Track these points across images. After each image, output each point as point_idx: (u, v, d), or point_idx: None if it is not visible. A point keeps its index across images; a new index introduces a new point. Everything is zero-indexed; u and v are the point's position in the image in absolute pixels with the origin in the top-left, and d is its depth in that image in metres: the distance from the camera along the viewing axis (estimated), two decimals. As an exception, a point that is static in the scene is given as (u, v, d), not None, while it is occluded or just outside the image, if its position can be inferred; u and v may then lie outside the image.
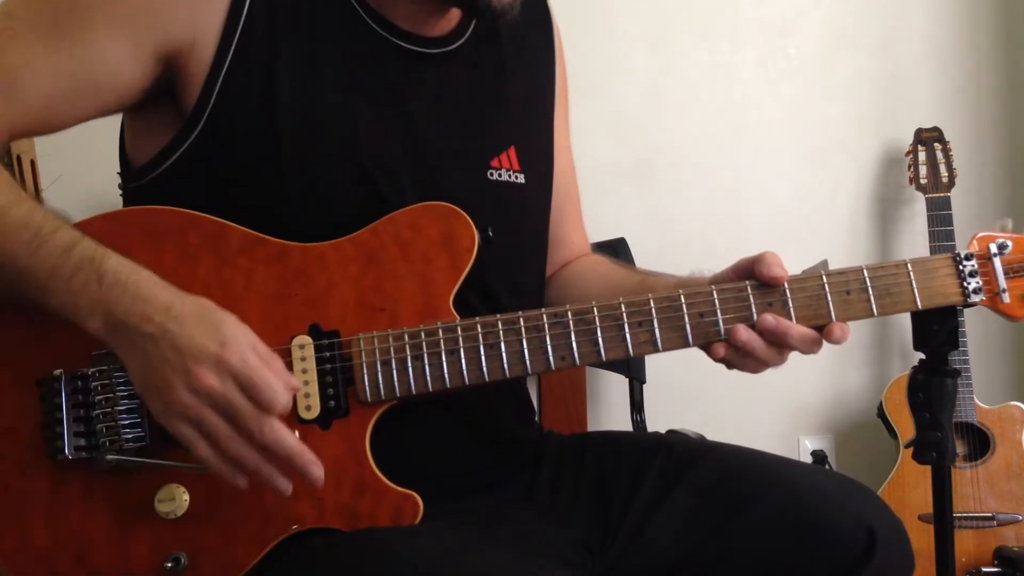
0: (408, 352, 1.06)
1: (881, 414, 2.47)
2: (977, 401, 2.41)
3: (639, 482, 1.20)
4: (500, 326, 1.07)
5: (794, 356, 1.12)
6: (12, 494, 1.03)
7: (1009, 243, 1.11)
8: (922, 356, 1.18)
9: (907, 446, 2.32)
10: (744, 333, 1.07)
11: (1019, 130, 2.74)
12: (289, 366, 1.04)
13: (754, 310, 1.08)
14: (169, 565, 1.02)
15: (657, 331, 1.08)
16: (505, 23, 1.20)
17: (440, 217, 1.10)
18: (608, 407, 2.64)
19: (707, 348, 1.11)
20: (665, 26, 2.73)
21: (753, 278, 1.10)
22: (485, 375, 1.06)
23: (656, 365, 2.45)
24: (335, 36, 1.15)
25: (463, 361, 1.06)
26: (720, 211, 2.72)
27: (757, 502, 1.14)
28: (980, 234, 1.12)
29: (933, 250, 2.43)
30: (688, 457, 1.21)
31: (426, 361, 1.06)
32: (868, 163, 2.73)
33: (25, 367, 1.05)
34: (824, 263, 1.54)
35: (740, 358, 1.10)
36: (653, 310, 1.08)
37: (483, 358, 1.06)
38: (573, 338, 1.07)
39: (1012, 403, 2.43)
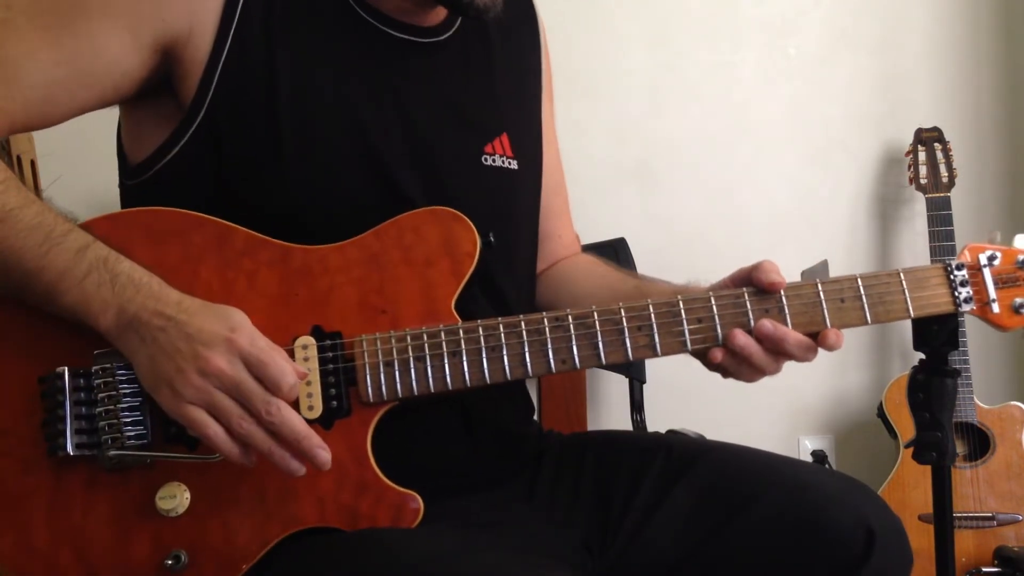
0: (410, 353, 1.06)
1: (881, 414, 2.47)
2: (977, 401, 2.41)
3: (639, 482, 1.20)
4: (502, 328, 1.08)
5: (794, 358, 1.12)
6: (12, 491, 1.03)
7: (999, 254, 1.13)
8: (922, 356, 1.18)
9: (907, 446, 2.32)
10: (742, 338, 1.08)
11: (1019, 130, 2.74)
12: (292, 366, 1.05)
13: (751, 316, 1.10)
14: (169, 563, 1.02)
15: (656, 336, 1.09)
16: (489, 19, 1.21)
17: (443, 221, 1.10)
18: (608, 407, 2.65)
19: (703, 356, 1.12)
20: (665, 26, 2.74)
21: (751, 286, 1.10)
22: (487, 377, 1.07)
23: (656, 365, 2.45)
24: (329, 26, 1.16)
25: (465, 363, 1.07)
26: (720, 211, 2.72)
27: (757, 501, 1.14)
28: (971, 245, 1.15)
29: (933, 250, 2.44)
30: (688, 457, 1.22)
31: (428, 362, 1.06)
32: (868, 163, 2.74)
33: (27, 364, 1.05)
34: (824, 263, 1.54)
35: (736, 364, 1.10)
36: (652, 315, 1.09)
37: (485, 360, 1.07)
38: (574, 341, 1.09)
39: (1012, 403, 2.43)
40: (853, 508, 1.12)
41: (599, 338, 1.09)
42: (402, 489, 1.05)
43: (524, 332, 1.08)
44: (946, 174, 2.49)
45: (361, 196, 1.13)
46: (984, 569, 2.32)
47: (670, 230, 2.71)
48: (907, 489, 2.36)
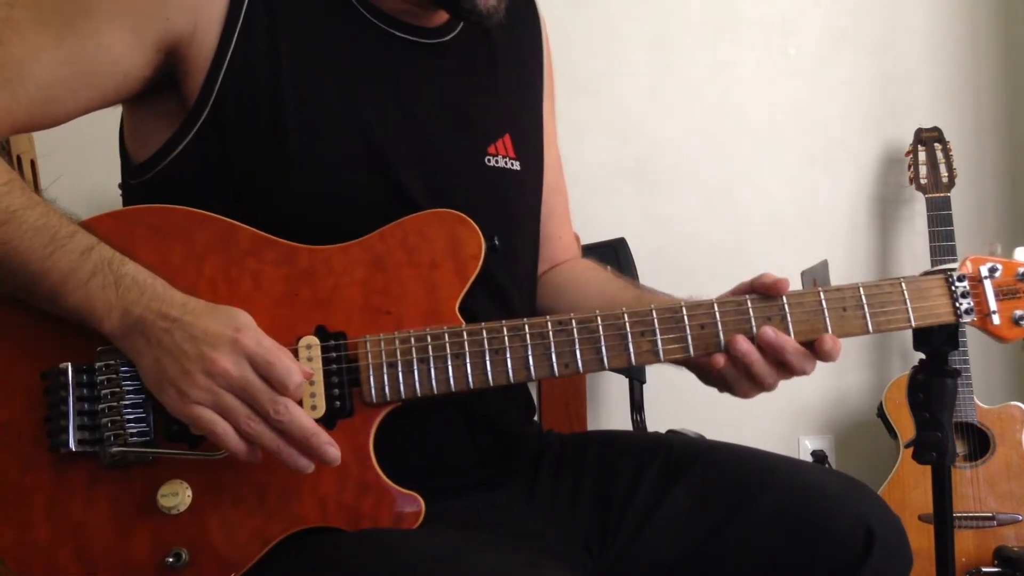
0: (414, 355, 1.06)
1: (881, 414, 2.48)
2: (977, 401, 2.42)
3: (639, 482, 1.20)
4: (505, 331, 1.08)
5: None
6: (14, 486, 1.03)
7: (999, 266, 1.15)
8: (922, 356, 1.19)
9: (907, 446, 2.32)
10: (744, 344, 1.08)
11: (1019, 130, 2.74)
12: (296, 366, 1.05)
13: (754, 323, 1.10)
14: (170, 560, 1.02)
15: (659, 341, 1.10)
16: (491, 24, 1.21)
17: (447, 224, 1.11)
18: (608, 407, 2.65)
19: (701, 369, 1.14)
20: (665, 26, 2.74)
21: (753, 293, 1.11)
22: (490, 380, 1.07)
23: (656, 365, 2.45)
24: (333, 26, 1.16)
25: (468, 366, 1.07)
26: (720, 211, 2.72)
27: (756, 501, 1.14)
28: (972, 256, 1.16)
29: (933, 250, 2.44)
30: (688, 457, 1.22)
31: (432, 364, 1.07)
32: (868, 163, 2.74)
33: (30, 359, 1.05)
34: (824, 263, 1.54)
35: (735, 372, 1.10)
36: (655, 320, 1.10)
37: (488, 362, 1.07)
38: (577, 345, 1.09)
39: (1012, 403, 2.43)
40: (853, 508, 1.12)
41: (602, 342, 1.09)
42: (404, 490, 1.05)
43: (528, 335, 1.08)
44: (946, 174, 2.50)
45: (363, 196, 1.13)
46: (984, 569, 2.32)
47: (670, 230, 2.71)
48: (907, 489, 2.36)
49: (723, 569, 1.15)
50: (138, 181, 1.16)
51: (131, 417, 1.03)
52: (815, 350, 1.10)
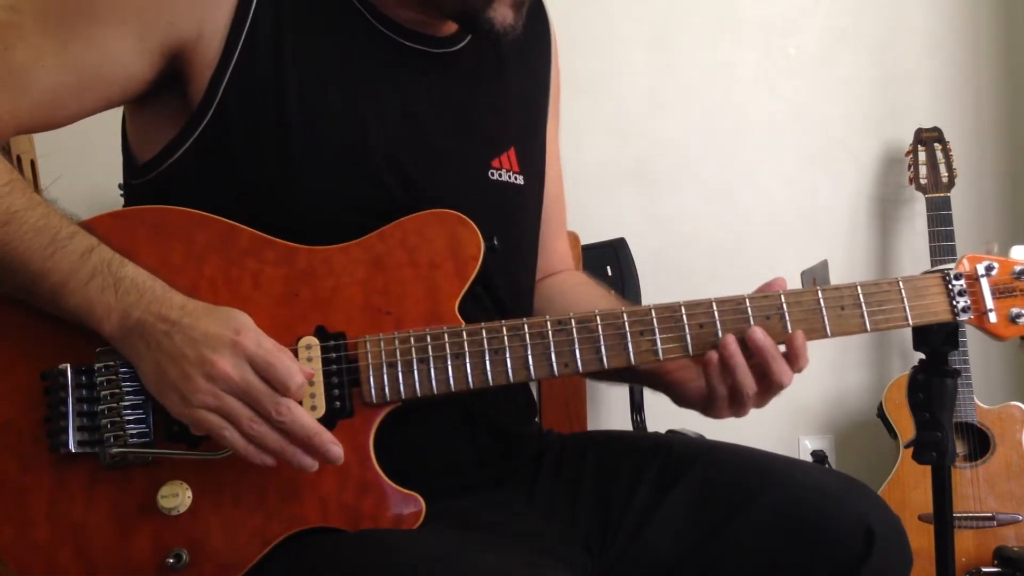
0: (414, 355, 1.06)
1: (881, 414, 2.48)
2: (977, 401, 2.42)
3: (639, 482, 1.20)
4: (504, 331, 1.08)
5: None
6: (13, 487, 1.03)
7: (996, 264, 1.15)
8: (922, 356, 1.19)
9: (907, 446, 2.31)
10: (732, 344, 1.09)
11: (1019, 130, 2.74)
12: (296, 366, 1.05)
13: (752, 322, 1.11)
14: (171, 561, 1.02)
15: (658, 340, 1.10)
16: (506, 41, 1.20)
17: (447, 224, 1.11)
18: (608, 407, 2.65)
19: (675, 389, 1.19)
20: (665, 26, 2.74)
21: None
22: (490, 379, 1.08)
23: (656, 365, 2.45)
24: (340, 33, 1.16)
25: (468, 365, 1.07)
26: (720, 211, 2.72)
27: (756, 501, 1.14)
28: (969, 255, 1.16)
29: (933, 250, 2.44)
30: (688, 457, 1.22)
31: (431, 364, 1.07)
32: (868, 163, 2.74)
33: (30, 359, 1.05)
34: (824, 263, 1.55)
35: (716, 379, 1.10)
36: (654, 320, 1.10)
37: (487, 362, 1.07)
38: (576, 345, 1.09)
39: (1012, 403, 2.44)
40: (853, 508, 1.12)
41: (601, 342, 1.09)
42: (404, 490, 1.05)
43: (527, 335, 1.08)
44: (946, 174, 2.50)
45: (364, 202, 1.13)
46: (984, 569, 2.32)
47: (670, 230, 2.71)
48: (907, 489, 2.36)
49: (723, 569, 1.15)
50: (140, 181, 1.16)
51: (131, 418, 1.03)
52: (787, 345, 1.10)
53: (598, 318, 1.10)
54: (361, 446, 1.05)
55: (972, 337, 2.43)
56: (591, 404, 2.55)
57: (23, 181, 1.05)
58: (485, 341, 1.08)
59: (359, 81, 1.15)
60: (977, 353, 2.46)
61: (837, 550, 1.11)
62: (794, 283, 1.16)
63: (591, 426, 2.50)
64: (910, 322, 1.13)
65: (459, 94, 1.24)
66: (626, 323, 1.10)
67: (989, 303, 1.14)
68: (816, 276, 1.49)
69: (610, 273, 2.44)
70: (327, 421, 1.05)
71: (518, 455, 1.26)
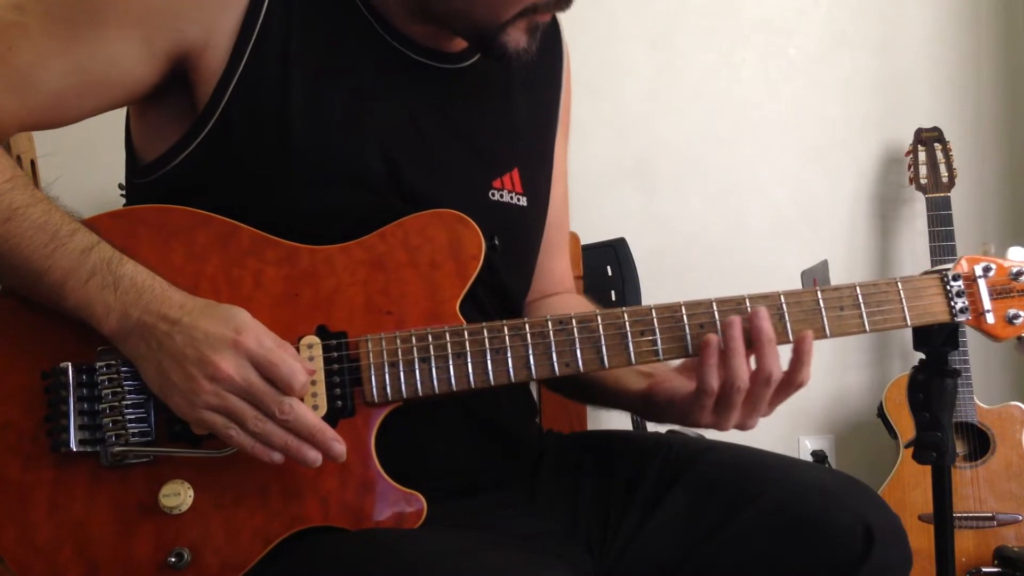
0: (415, 354, 1.07)
1: (881, 414, 2.48)
2: (977, 401, 2.42)
3: (639, 481, 1.20)
4: (506, 331, 1.08)
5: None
6: (14, 486, 1.03)
7: (993, 266, 1.16)
8: (922, 356, 1.19)
9: (907, 446, 2.32)
10: (737, 326, 1.08)
11: (1019, 130, 2.74)
12: (297, 365, 1.05)
13: None
14: (172, 560, 1.02)
15: (659, 340, 1.10)
16: (519, 64, 1.19)
17: (448, 224, 1.11)
18: (608, 407, 2.64)
19: (651, 407, 1.19)
20: (665, 26, 2.74)
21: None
22: (491, 379, 1.08)
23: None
24: (349, 43, 1.15)
25: (469, 365, 1.07)
26: (720, 211, 2.73)
27: (756, 501, 1.15)
28: (967, 256, 1.17)
29: (933, 250, 2.44)
30: (687, 456, 1.22)
31: (433, 364, 1.07)
32: (868, 163, 2.74)
33: (30, 359, 1.05)
34: (824, 263, 1.55)
35: (714, 362, 1.09)
36: (655, 320, 1.11)
37: (489, 362, 1.08)
38: (577, 345, 1.09)
39: (1012, 403, 2.44)
40: (852, 507, 1.12)
41: (602, 341, 1.10)
42: (406, 489, 1.06)
43: (528, 335, 1.09)
44: (946, 174, 2.50)
45: (364, 212, 1.12)
46: (984, 569, 2.32)
47: (670, 230, 2.71)
48: (907, 489, 2.36)
49: (723, 568, 1.15)
50: (143, 180, 1.16)
51: (132, 417, 1.03)
52: (795, 345, 1.10)
53: (599, 318, 1.10)
54: (363, 445, 1.06)
55: (972, 337, 2.43)
56: (591, 404, 2.54)
57: (25, 178, 1.05)
58: (486, 340, 1.08)
59: (365, 91, 1.15)
60: (977, 353, 2.47)
61: (837, 550, 1.11)
62: (794, 283, 1.16)
63: (591, 426, 2.50)
64: (909, 323, 1.14)
65: (465, 111, 1.23)
66: (627, 323, 1.10)
67: (987, 304, 1.15)
68: (816, 276, 1.49)
69: (610, 273, 2.44)
70: (329, 420, 1.05)
71: (519, 455, 1.26)
